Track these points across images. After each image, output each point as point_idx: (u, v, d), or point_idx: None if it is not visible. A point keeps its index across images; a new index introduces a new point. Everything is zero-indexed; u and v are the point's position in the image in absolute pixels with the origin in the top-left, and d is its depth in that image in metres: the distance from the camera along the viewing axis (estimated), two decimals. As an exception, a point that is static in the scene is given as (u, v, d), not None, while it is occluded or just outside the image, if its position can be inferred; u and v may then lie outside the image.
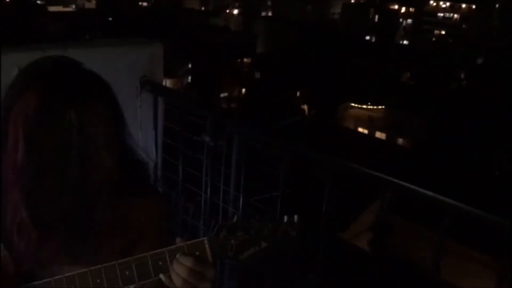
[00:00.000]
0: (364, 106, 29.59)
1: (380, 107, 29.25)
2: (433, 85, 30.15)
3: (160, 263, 1.00)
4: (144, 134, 1.88)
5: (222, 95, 28.96)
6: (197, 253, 0.99)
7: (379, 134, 28.34)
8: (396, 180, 1.28)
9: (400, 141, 27.27)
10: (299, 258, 1.42)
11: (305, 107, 29.25)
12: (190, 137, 1.82)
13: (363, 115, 29.50)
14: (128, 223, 1.10)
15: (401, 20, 44.64)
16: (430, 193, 1.22)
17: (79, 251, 1.04)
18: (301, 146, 1.45)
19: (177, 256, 0.99)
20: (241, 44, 32.80)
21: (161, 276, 0.99)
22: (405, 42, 43.98)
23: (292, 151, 1.44)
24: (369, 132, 28.72)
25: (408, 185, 1.26)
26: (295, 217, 1.01)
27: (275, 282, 1.59)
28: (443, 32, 43.85)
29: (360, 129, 28.71)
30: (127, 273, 1.00)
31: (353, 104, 29.93)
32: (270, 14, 44.77)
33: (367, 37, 42.44)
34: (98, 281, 1.03)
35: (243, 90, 30.36)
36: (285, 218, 1.01)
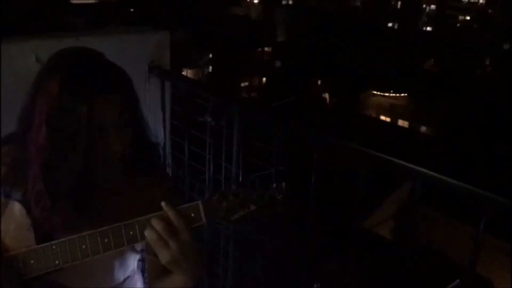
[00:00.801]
0: (387, 94, 29.25)
1: (402, 94, 28.88)
2: (457, 72, 29.52)
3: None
4: (152, 116, 2.00)
5: (243, 84, 28.98)
6: (192, 214, 1.10)
7: (401, 122, 27.99)
8: (430, 172, 1.25)
9: (423, 129, 26.87)
10: (285, 220, 1.52)
11: (327, 95, 29.06)
12: (195, 118, 1.93)
13: (385, 103, 29.19)
14: (137, 199, 1.22)
15: (424, 6, 43.70)
16: (468, 186, 1.19)
17: (88, 222, 1.17)
18: (294, 124, 1.53)
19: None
20: (261, 33, 32.71)
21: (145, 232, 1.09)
22: (428, 28, 43.06)
23: (287, 130, 1.54)
24: (391, 120, 28.38)
25: (446, 178, 1.22)
26: (283, 183, 1.12)
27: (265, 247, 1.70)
28: (468, 18, 42.76)
29: (382, 117, 28.40)
30: (131, 233, 1.13)
31: (375, 92, 29.63)
32: (290, 2, 44.43)
33: (389, 24, 41.74)
34: (106, 240, 1.16)
35: (264, 79, 30.32)
36: (273, 184, 1.12)
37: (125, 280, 1.50)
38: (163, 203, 1.10)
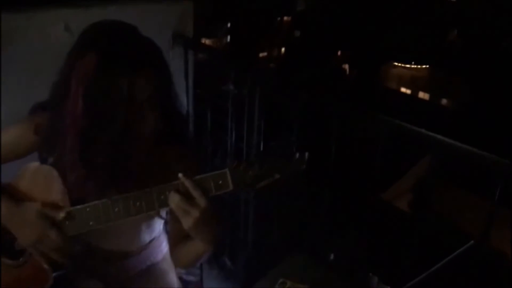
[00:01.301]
0: (408, 66, 28.67)
1: (424, 66, 28.28)
2: (481, 44, 28.70)
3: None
4: (176, 85, 2.04)
5: (261, 54, 28.70)
6: (220, 181, 1.16)
7: (422, 94, 27.52)
8: (448, 140, 1.27)
9: (444, 101, 26.40)
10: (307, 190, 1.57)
11: (347, 66, 28.64)
12: (218, 87, 1.98)
13: (406, 74, 28.65)
14: (165, 170, 1.26)
15: (450, -26, 42.23)
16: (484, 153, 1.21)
17: (119, 191, 1.24)
18: (314, 93, 1.56)
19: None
20: (281, 2, 32.11)
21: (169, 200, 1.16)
22: (453, -2, 41.68)
23: (306, 99, 1.57)
24: (412, 92, 27.90)
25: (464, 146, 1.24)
26: (306, 154, 1.16)
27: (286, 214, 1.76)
28: (495, -13, 41.21)
29: (403, 89, 27.94)
30: (162, 197, 1.19)
31: (396, 64, 29.07)
32: (311, -30, 43.36)
33: (413, -7, 40.51)
34: (138, 204, 1.22)
35: (283, 49, 29.96)
36: (297, 154, 1.16)
37: (151, 241, 1.58)
38: (180, 174, 1.15)
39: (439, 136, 1.28)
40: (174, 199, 1.15)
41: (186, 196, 1.14)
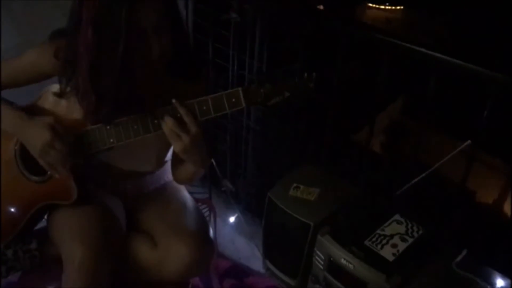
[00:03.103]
0: (382, 7, 28.08)
1: (398, 7, 27.74)
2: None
3: (204, 107, 1.25)
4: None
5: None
6: (233, 100, 1.23)
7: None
8: (447, 57, 1.30)
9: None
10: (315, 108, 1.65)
11: (321, 7, 27.96)
12: (219, 15, 2.00)
13: (380, 16, 28.13)
14: (174, 97, 1.32)
15: None
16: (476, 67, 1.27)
17: (126, 115, 1.31)
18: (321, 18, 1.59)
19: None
20: None
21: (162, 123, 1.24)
22: None
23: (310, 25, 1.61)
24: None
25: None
26: (314, 73, 1.23)
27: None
28: None
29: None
30: (156, 121, 1.27)
31: (370, 5, 28.41)
32: None
33: None
34: (156, 121, 1.30)
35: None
36: (305, 74, 1.23)
37: (165, 162, 1.68)
38: (173, 100, 1.22)
39: (437, 54, 1.34)
40: (168, 124, 1.22)
41: (179, 121, 1.21)
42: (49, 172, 1.44)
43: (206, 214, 1.79)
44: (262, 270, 2.20)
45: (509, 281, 1.24)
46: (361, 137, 2.06)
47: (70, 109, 1.33)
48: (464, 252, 1.30)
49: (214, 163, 1.93)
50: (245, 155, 2.24)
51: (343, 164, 1.84)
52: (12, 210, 1.48)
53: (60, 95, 1.32)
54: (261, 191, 2.17)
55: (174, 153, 1.53)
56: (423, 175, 1.41)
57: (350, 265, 1.29)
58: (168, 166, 1.70)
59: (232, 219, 2.12)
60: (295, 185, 1.48)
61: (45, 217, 1.57)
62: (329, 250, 1.33)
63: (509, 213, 2.07)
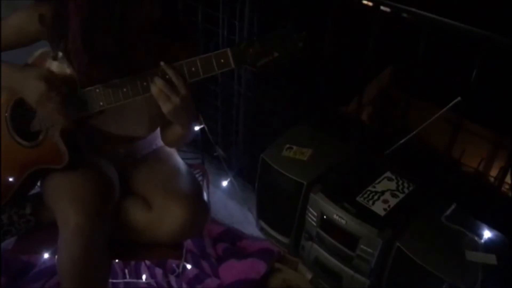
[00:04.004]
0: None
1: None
2: None
3: (193, 69, 1.25)
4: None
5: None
6: (222, 60, 1.23)
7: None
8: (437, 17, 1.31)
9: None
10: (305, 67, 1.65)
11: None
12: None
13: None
14: (165, 60, 1.31)
15: None
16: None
17: (119, 76, 1.30)
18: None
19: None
20: None
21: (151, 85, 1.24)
22: None
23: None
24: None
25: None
26: (304, 32, 1.23)
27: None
28: None
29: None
30: (167, 77, 1.27)
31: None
32: None
33: None
34: (145, 83, 1.30)
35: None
36: (295, 34, 1.22)
37: (157, 128, 1.68)
38: (161, 63, 1.22)
39: (428, 14, 1.35)
40: (157, 85, 1.23)
41: (168, 83, 1.22)
42: (40, 137, 1.44)
43: (199, 179, 1.80)
44: (255, 234, 2.23)
45: (495, 232, 1.28)
46: (350, 109, 2.08)
47: (63, 72, 1.33)
48: (453, 206, 1.33)
49: (206, 129, 1.94)
50: (237, 122, 2.24)
51: (335, 126, 1.86)
52: (4, 175, 1.48)
53: (54, 58, 1.31)
54: (253, 156, 2.19)
55: (162, 115, 1.53)
56: (414, 132, 1.44)
57: (343, 221, 1.31)
58: (155, 136, 1.70)
59: (224, 183, 2.14)
60: (288, 146, 1.49)
61: (38, 183, 1.58)
62: (322, 207, 1.35)
63: (494, 174, 2.12)
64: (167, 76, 1.24)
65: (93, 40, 1.21)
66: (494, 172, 2.26)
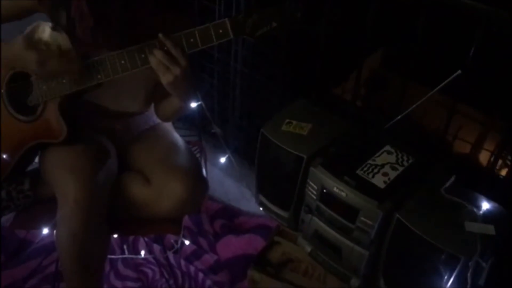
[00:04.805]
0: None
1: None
2: None
3: (192, 40, 1.24)
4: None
5: None
6: (220, 31, 1.22)
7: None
8: None
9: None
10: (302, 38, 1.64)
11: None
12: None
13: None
14: (166, 30, 1.30)
15: None
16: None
17: (122, 42, 1.29)
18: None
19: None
20: None
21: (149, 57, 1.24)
22: None
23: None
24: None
25: None
26: (300, 2, 1.22)
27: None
28: None
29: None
30: (142, 56, 1.27)
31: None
32: None
33: None
34: (143, 56, 1.29)
35: None
36: (292, 3, 1.22)
37: (147, 110, 1.67)
38: (160, 34, 1.23)
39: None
40: (156, 56, 1.23)
41: (168, 54, 1.22)
42: (37, 111, 1.43)
43: (197, 156, 1.80)
44: (252, 211, 2.25)
45: (493, 203, 1.30)
46: (343, 90, 2.09)
47: (62, 43, 1.31)
48: (452, 179, 1.34)
49: (204, 106, 1.93)
50: (233, 98, 2.23)
51: (334, 101, 1.86)
52: (2, 150, 1.47)
53: (54, 28, 1.29)
54: (250, 134, 2.19)
55: (157, 88, 1.53)
56: (414, 106, 1.44)
57: (343, 193, 1.32)
58: (150, 113, 1.70)
59: (222, 159, 2.14)
60: (287, 120, 1.49)
61: (37, 159, 1.57)
62: (322, 180, 1.36)
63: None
64: (166, 48, 1.23)
65: (97, 5, 1.22)
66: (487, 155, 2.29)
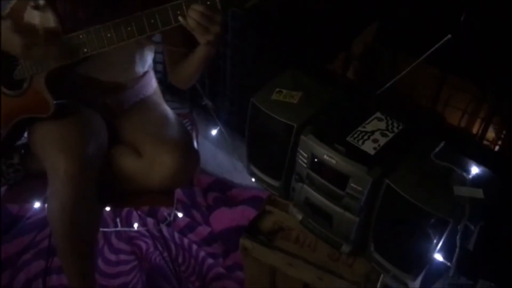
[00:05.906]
0: None
1: None
2: None
3: (179, 12, 1.22)
4: None
5: None
6: (208, 2, 1.20)
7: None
8: None
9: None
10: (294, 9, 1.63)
11: None
12: None
13: None
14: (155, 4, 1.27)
15: None
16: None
17: (108, 17, 1.27)
18: None
19: (192, 5, 1.21)
20: None
21: (180, 18, 1.22)
22: None
23: None
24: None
25: None
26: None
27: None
28: None
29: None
30: (152, 21, 1.24)
31: None
32: None
33: None
34: (129, 28, 1.27)
35: None
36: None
37: (143, 75, 1.66)
38: (192, 5, 1.19)
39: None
40: (193, 18, 1.19)
41: (202, 15, 1.19)
42: (24, 85, 1.41)
43: (188, 128, 1.80)
44: (244, 183, 2.26)
45: (482, 168, 1.31)
46: (336, 66, 2.08)
47: (46, 20, 1.28)
48: (442, 144, 1.35)
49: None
50: (224, 71, 2.22)
51: (325, 74, 1.85)
52: (-10, 124, 1.46)
53: (35, 7, 1.27)
54: (241, 106, 2.18)
55: (170, 54, 1.52)
56: (404, 72, 1.44)
57: (333, 161, 1.32)
58: (146, 80, 1.68)
59: (214, 132, 2.14)
60: (277, 89, 1.48)
61: (25, 134, 1.56)
62: (312, 148, 1.36)
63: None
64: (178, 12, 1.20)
65: None
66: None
